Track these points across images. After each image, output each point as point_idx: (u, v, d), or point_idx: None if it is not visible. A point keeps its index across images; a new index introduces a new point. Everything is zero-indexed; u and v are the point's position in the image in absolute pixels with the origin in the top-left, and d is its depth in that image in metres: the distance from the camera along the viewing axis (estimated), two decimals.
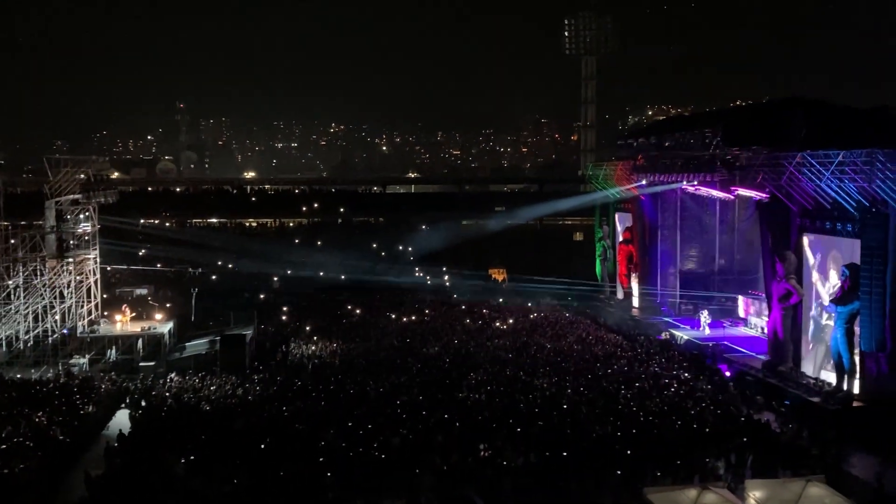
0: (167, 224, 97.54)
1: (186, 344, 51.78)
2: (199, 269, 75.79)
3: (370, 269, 78.13)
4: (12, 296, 48.52)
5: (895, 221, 32.65)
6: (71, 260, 50.51)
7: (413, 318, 58.86)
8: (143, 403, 37.49)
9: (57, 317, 49.86)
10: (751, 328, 51.81)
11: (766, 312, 44.47)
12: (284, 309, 62.12)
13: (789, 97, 48.62)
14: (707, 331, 51.37)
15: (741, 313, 54.01)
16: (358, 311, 61.39)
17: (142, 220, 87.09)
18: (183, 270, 76.05)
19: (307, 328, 54.83)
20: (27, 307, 48.67)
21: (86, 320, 51.69)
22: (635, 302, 61.16)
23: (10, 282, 48.41)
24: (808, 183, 36.45)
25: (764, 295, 45.41)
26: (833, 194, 35.24)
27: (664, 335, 51.26)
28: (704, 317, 52.37)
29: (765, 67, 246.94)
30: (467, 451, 28.93)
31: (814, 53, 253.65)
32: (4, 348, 47.67)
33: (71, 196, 51.14)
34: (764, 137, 42.66)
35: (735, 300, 55.16)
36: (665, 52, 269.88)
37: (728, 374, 41.05)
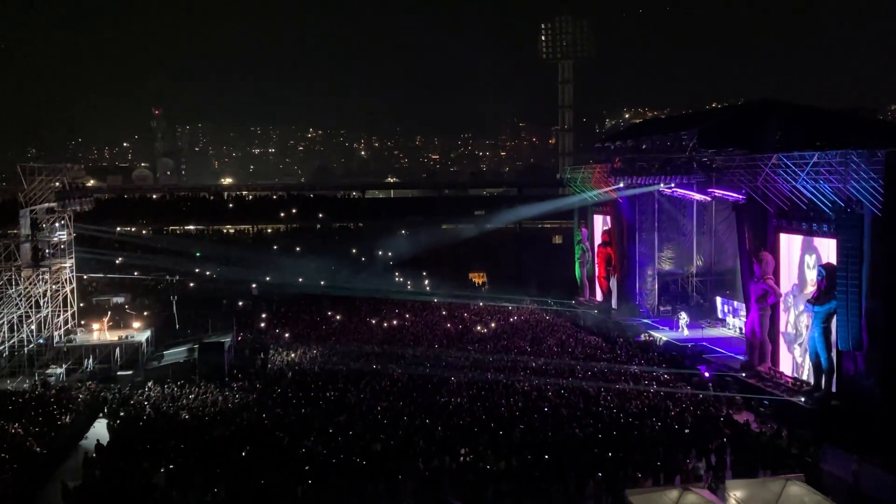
0: (144, 232, 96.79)
1: (164, 352, 51.38)
2: (177, 277, 75.22)
3: (350, 274, 77.89)
4: None
5: (870, 221, 32.95)
6: (46, 269, 49.98)
7: (393, 323, 58.77)
8: (122, 413, 37.10)
9: (33, 326, 49.28)
10: (729, 329, 52.13)
11: (744, 313, 44.79)
12: (263, 316, 61.79)
13: (764, 99, 49.02)
14: (686, 332, 51.64)
15: (719, 314, 54.34)
16: (338, 318, 61.17)
17: (118, 228, 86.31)
18: (160, 278, 75.47)
19: (286, 335, 54.56)
20: (2, 317, 48.05)
21: (62, 329, 51.15)
22: (614, 304, 61.35)
23: None
24: (784, 184, 36.75)
25: (742, 295, 45.73)
26: (809, 195, 35.55)
27: (643, 337, 51.48)
28: (683, 318, 52.67)
29: (741, 70, 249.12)
30: (448, 456, 28.89)
31: (788, 55, 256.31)
32: None
33: (46, 204, 50.64)
34: (740, 139, 43.02)
35: (713, 301, 55.51)
36: (641, 55, 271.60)
37: (707, 374, 41.26)
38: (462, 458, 28.94)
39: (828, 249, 36.20)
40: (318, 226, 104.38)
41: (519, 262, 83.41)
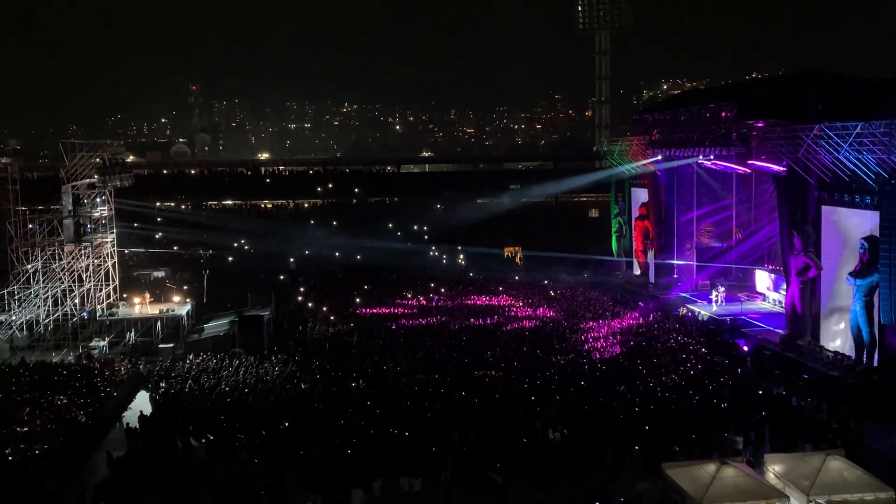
0: (183, 207, 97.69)
1: (205, 325, 52.04)
2: (210, 251, 75.99)
3: (386, 248, 78.08)
4: (31, 280, 48.94)
5: None
6: (88, 244, 50.81)
7: (430, 296, 58.92)
8: (163, 385, 37.81)
9: (76, 300, 50.23)
10: (768, 302, 51.53)
11: (784, 286, 44.23)
12: (301, 290, 62.30)
13: (805, 69, 48.12)
14: (721, 305, 50.97)
15: (759, 287, 53.70)
16: (374, 291, 61.44)
17: (157, 203, 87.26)
18: (199, 253, 76.30)
19: (324, 308, 55.00)
20: (46, 291, 49.07)
21: (105, 303, 52.05)
22: (652, 278, 60.94)
23: (30, 266, 48.83)
24: (826, 155, 36.13)
25: (782, 269, 45.14)
26: (851, 166, 34.93)
27: (681, 311, 51.02)
28: (719, 292, 51.92)
29: (780, 40, 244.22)
30: (485, 429, 29.01)
31: (829, 25, 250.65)
32: (25, 332, 48.17)
33: (87, 180, 51.34)
34: (780, 110, 42.30)
35: (752, 275, 54.85)
36: (680, 25, 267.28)
37: (746, 348, 40.90)
38: (499, 432, 29.06)
39: None
40: (354, 200, 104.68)
41: (555, 236, 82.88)
